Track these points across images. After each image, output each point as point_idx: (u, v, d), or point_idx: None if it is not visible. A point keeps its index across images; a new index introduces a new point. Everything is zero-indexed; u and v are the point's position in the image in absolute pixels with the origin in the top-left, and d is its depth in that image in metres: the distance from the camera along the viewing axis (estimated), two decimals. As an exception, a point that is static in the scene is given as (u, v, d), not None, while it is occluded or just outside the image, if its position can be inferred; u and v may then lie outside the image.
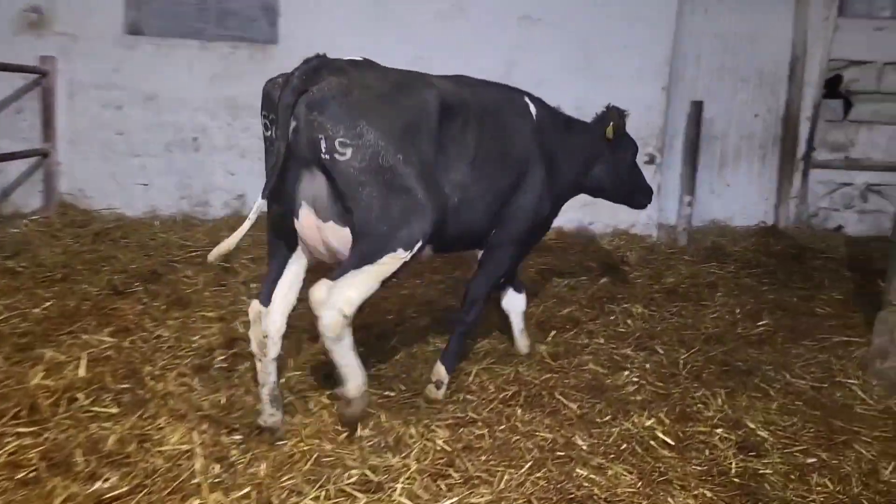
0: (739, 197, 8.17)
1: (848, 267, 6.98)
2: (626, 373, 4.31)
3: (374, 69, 3.34)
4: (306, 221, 3.19)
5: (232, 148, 7.47)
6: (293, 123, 3.06)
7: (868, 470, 3.30)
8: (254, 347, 3.40)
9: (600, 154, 4.48)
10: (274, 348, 3.37)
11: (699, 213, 7.83)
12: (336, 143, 3.01)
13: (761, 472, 3.31)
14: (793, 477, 3.28)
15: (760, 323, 5.34)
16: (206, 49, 7.35)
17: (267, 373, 3.39)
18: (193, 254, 6.15)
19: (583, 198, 7.59)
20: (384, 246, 3.09)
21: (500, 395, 3.86)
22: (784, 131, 8.09)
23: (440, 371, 3.89)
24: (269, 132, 3.19)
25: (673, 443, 3.45)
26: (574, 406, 3.79)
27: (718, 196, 8.18)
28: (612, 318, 5.32)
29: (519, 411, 3.68)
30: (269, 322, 3.34)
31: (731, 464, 3.34)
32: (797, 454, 3.48)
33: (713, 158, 8.04)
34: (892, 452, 3.57)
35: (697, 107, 7.35)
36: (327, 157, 3.02)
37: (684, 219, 7.51)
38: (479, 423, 3.54)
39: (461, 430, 3.46)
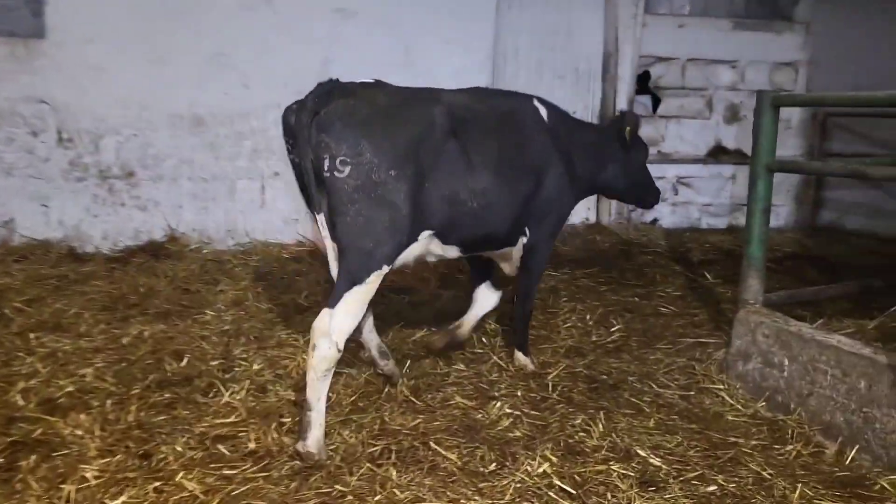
0: (563, 195, 8.12)
1: (672, 260, 7.10)
2: (498, 403, 3.87)
3: (385, 88, 3.57)
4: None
5: (-8, 164, 6.15)
6: (307, 145, 3.27)
7: (779, 498, 3.09)
8: None
9: (614, 155, 4.63)
10: (366, 321, 3.88)
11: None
12: (337, 162, 3.23)
13: (668, 510, 3.01)
14: (701, 512, 3.01)
15: (613, 329, 5.14)
16: (-51, 45, 5.97)
17: (368, 340, 3.94)
18: (-52, 302, 4.91)
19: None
20: (369, 263, 3.28)
21: (368, 453, 3.26)
22: (601, 128, 8.15)
23: (521, 358, 4.41)
24: (292, 154, 3.44)
25: (573, 490, 3.05)
26: (453, 456, 3.27)
27: (543, 195, 8.07)
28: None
29: (394, 473, 3.10)
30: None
31: (636, 506, 3.01)
32: (695, 482, 3.21)
33: (536, 157, 7.91)
34: (777, 464, 3.43)
35: (522, 105, 7.13)
36: (328, 174, 3.24)
37: (515, 221, 7.27)
38: (350, 497, 2.92)
39: (330, 510, 2.83)
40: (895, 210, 7.55)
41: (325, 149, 3.23)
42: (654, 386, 4.28)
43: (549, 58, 7.82)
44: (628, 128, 4.54)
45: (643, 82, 8.13)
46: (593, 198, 8.24)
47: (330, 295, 3.27)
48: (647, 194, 4.99)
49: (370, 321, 4.04)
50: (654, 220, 8.39)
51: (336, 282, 3.30)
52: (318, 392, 3.20)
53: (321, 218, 3.33)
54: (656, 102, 8.29)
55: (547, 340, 4.91)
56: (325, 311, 3.22)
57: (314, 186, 3.28)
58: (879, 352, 3.48)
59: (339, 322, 3.20)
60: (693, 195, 8.50)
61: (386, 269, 3.34)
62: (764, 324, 4.10)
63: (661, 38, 7.95)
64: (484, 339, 4.85)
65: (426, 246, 3.71)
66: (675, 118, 8.35)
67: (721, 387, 4.24)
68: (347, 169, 3.21)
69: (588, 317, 5.39)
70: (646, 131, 8.12)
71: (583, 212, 8.21)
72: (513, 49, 7.63)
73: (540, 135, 4.09)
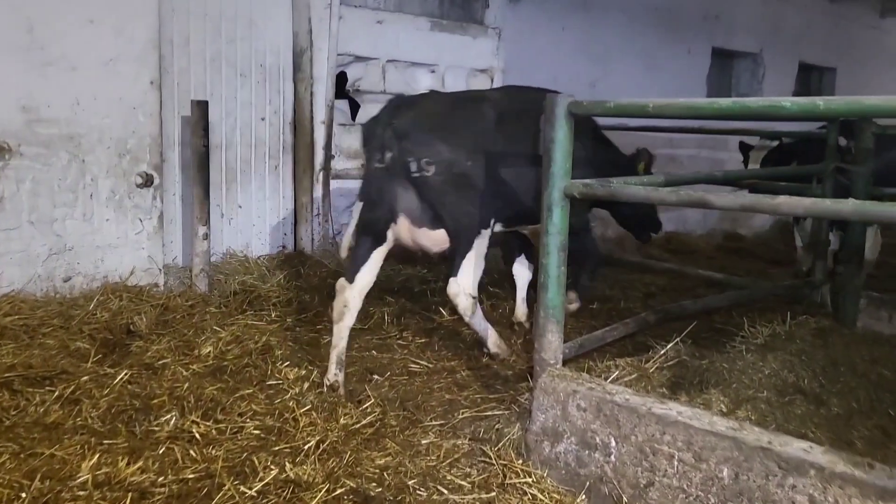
0: (254, 220, 6.63)
1: (390, 293, 6.06)
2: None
3: (438, 97, 4.74)
4: (403, 226, 4.16)
5: None
6: (388, 153, 3.98)
7: None
8: (334, 315, 4.15)
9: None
10: (350, 317, 4.14)
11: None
12: (423, 163, 3.94)
13: None
14: None
15: (364, 407, 3.89)
16: None
17: (340, 337, 4.13)
18: None
19: (51, 243, 5.17)
20: (472, 233, 4.12)
21: None
22: (295, 137, 6.81)
23: (570, 295, 5.16)
24: (371, 162, 4.12)
25: None
26: None
27: (229, 221, 6.50)
28: (160, 451, 3.27)
29: None
30: (351, 295, 4.12)
31: None
32: None
33: (218, 174, 6.30)
34: None
35: (202, 108, 5.49)
36: (417, 174, 3.95)
37: (201, 257, 5.63)
38: None
39: None
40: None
41: (408, 153, 3.91)
42: (444, 490, 3.16)
43: (227, 50, 6.27)
44: (643, 163, 5.23)
45: (340, 85, 6.97)
46: (290, 222, 6.90)
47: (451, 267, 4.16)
48: (645, 228, 5.88)
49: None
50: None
51: (455, 254, 4.14)
52: (475, 323, 4.42)
53: (359, 205, 4.14)
54: (355, 108, 7.19)
55: (283, 436, 3.51)
56: (451, 280, 4.09)
57: (387, 184, 4.01)
58: (745, 429, 2.74)
59: (465, 282, 4.07)
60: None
61: (486, 231, 4.16)
62: (578, 393, 3.20)
63: (360, 34, 6.86)
64: (192, 452, 3.27)
65: None
66: (376, 127, 7.32)
67: (528, 479, 3.25)
68: (433, 168, 3.90)
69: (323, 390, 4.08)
70: (348, 141, 7.01)
71: (280, 239, 6.82)
72: (182, 37, 5.94)
73: None
